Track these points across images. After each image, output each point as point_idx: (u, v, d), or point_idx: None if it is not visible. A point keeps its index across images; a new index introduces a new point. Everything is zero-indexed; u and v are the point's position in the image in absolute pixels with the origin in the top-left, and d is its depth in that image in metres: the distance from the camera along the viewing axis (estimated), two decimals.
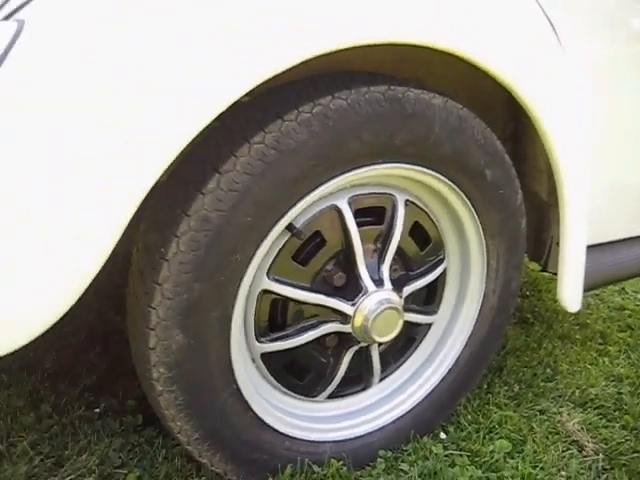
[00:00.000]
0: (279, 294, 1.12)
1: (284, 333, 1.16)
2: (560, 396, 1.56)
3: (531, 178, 1.41)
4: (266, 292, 1.11)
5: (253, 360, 1.16)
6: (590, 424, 1.45)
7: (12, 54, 0.92)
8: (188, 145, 0.89)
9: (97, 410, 1.39)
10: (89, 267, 0.88)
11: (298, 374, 1.23)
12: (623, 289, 2.19)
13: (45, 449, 1.28)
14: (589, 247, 1.43)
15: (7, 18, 1.00)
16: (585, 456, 1.36)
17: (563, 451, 1.36)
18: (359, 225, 1.14)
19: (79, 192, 0.83)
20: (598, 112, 1.37)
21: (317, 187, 1.04)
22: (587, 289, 1.46)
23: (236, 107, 0.91)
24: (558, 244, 1.37)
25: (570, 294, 1.40)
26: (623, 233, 1.61)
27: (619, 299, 2.13)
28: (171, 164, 0.88)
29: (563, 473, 1.30)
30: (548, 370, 1.66)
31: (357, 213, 1.14)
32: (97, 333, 1.65)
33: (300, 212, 1.07)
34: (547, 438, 1.40)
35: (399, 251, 1.21)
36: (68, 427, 1.33)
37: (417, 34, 1.01)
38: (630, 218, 1.59)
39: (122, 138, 0.84)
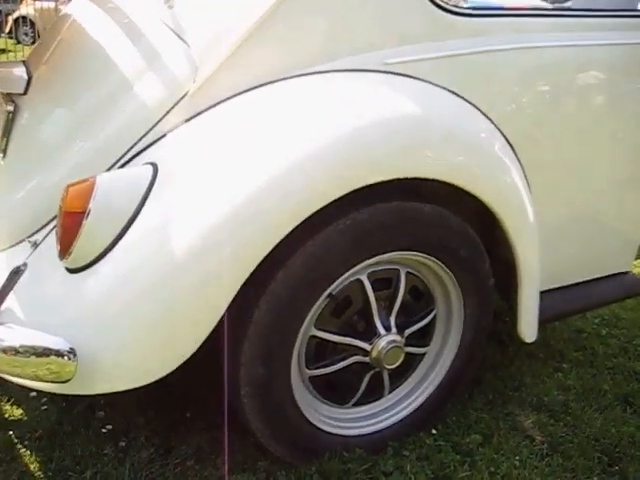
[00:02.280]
0: (321, 338, 1.68)
1: (323, 363, 1.72)
2: (522, 402, 2.11)
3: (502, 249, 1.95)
4: (313, 337, 1.68)
5: (303, 381, 1.73)
6: (541, 423, 2.01)
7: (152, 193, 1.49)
8: None
9: (188, 415, 1.96)
10: (197, 341, 1.45)
11: (334, 390, 1.79)
12: (584, 314, 2.73)
13: (156, 441, 1.85)
14: (542, 292, 1.98)
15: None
16: (534, 446, 1.92)
17: (519, 442, 1.92)
18: (374, 290, 1.71)
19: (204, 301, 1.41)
20: (544, 200, 1.92)
21: (349, 269, 1.61)
22: (541, 324, 2.01)
23: None
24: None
25: (526, 330, 1.95)
26: (569, 280, 2.16)
27: (580, 322, 2.67)
28: None
29: (517, 457, 1.86)
30: (516, 382, 2.22)
31: (373, 282, 1.71)
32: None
33: (337, 285, 1.63)
34: (509, 433, 1.96)
35: (402, 305, 1.77)
36: (170, 427, 1.90)
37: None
38: (573, 270, 2.15)
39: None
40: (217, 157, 1.55)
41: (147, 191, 1.52)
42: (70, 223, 1.50)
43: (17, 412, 1.95)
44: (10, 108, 1.88)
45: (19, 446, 1.81)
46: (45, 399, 1.98)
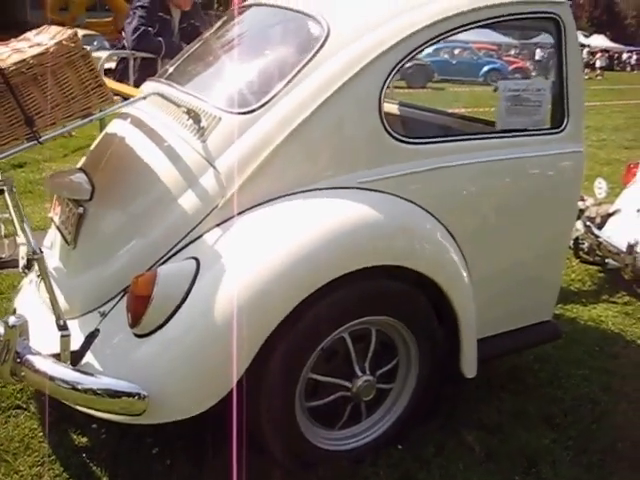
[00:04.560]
0: (316, 379, 2.33)
1: (318, 397, 2.37)
2: (467, 423, 2.76)
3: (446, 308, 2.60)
4: (309, 378, 2.32)
5: (303, 411, 2.37)
6: (480, 438, 2.66)
7: (197, 280, 2.14)
8: None
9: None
10: (229, 385, 2.09)
11: (325, 417, 2.44)
12: (521, 353, 3.40)
13: (193, 460, 2.47)
14: (479, 340, 2.65)
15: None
16: (474, 455, 2.57)
17: (463, 453, 2.57)
18: (353, 343, 2.36)
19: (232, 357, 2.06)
20: (476, 270, 2.59)
21: (336, 330, 2.27)
22: (480, 363, 2.67)
23: None
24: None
25: (466, 368, 2.61)
26: (500, 329, 2.83)
27: (516, 359, 3.34)
28: None
29: (462, 464, 2.51)
30: (462, 408, 2.87)
31: (352, 338, 2.36)
32: None
33: (327, 341, 2.29)
34: (456, 446, 2.61)
35: (373, 354, 2.43)
36: (202, 449, 2.52)
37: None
38: (502, 321, 2.82)
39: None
40: (242, 252, 2.22)
41: (193, 279, 2.18)
42: (139, 303, 2.15)
43: (83, 440, 2.55)
44: (80, 211, 2.52)
45: (90, 465, 2.42)
46: (103, 429, 2.59)
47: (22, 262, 2.96)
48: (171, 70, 3.04)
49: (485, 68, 21.87)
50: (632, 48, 39.07)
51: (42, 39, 2.34)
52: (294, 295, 2.15)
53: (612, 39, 41.94)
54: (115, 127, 2.84)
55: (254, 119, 2.33)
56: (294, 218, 2.28)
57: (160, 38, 4.39)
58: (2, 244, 3.17)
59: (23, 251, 2.99)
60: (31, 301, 2.72)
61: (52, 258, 2.69)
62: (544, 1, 2.64)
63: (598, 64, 31.55)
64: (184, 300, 2.15)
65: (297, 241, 2.20)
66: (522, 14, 2.62)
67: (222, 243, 2.26)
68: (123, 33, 4.70)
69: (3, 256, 3.17)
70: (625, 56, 39.24)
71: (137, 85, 3.74)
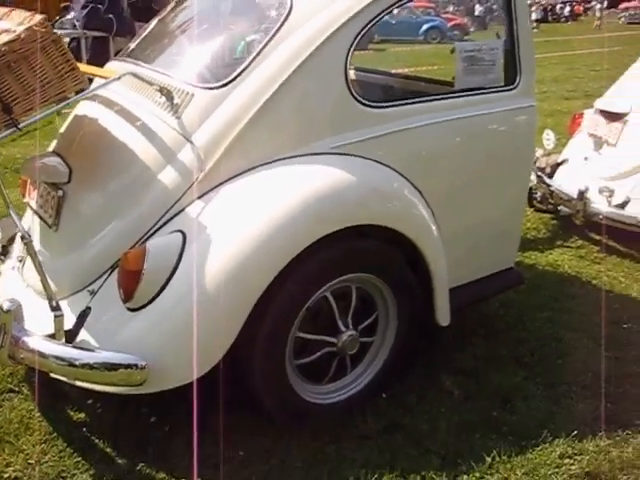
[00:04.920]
0: (303, 337, 2.46)
1: (306, 354, 2.50)
2: (445, 369, 2.93)
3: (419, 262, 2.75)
4: (297, 337, 2.45)
5: (293, 369, 2.50)
6: (458, 382, 2.84)
7: (184, 252, 2.23)
8: None
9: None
10: (223, 350, 2.20)
11: (313, 372, 2.57)
12: (487, 300, 3.58)
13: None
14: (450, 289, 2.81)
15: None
16: (454, 398, 2.75)
17: (444, 397, 2.75)
18: (335, 301, 2.50)
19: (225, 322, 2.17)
20: (444, 223, 2.74)
21: (320, 289, 2.40)
22: (452, 312, 2.84)
23: None
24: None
25: (440, 317, 2.77)
26: (468, 279, 3.00)
27: (484, 307, 3.53)
28: None
29: (443, 407, 2.69)
30: (439, 355, 3.05)
31: (334, 296, 2.49)
32: None
33: (312, 301, 2.41)
34: (436, 391, 2.79)
35: (355, 310, 2.57)
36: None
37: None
38: (470, 271, 2.99)
39: None
40: (224, 223, 2.32)
41: (181, 251, 2.27)
42: (131, 278, 2.23)
43: (81, 415, 2.64)
44: (60, 194, 2.57)
45: (91, 438, 2.51)
46: (99, 404, 2.67)
47: None
48: (134, 48, 3.07)
49: (424, 27, 21.99)
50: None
51: (9, 25, 2.36)
52: (277, 261, 2.26)
53: None
54: (84, 108, 2.87)
55: (226, 93, 2.41)
56: (271, 187, 2.39)
57: (111, 15, 4.38)
58: None
59: None
60: (14, 286, 2.77)
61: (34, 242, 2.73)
62: None
63: (533, 16, 31.99)
64: (174, 272, 2.25)
65: (276, 209, 2.31)
66: None
67: (205, 215, 2.35)
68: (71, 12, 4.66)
69: None
70: (558, 7, 39.88)
71: (90, 63, 3.73)
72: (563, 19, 37.39)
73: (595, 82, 11.19)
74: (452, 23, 22.43)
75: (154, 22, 3.23)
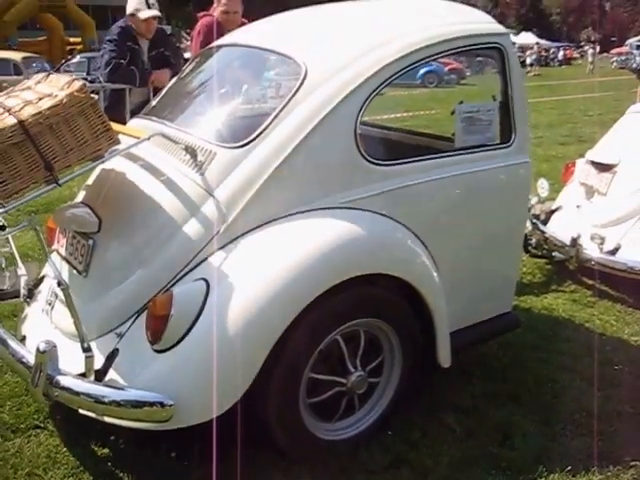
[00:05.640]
0: (315, 378, 2.65)
1: (318, 394, 2.69)
2: (446, 407, 3.11)
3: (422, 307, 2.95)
4: (310, 377, 2.64)
5: (305, 407, 2.68)
6: (459, 420, 3.02)
7: (208, 298, 2.43)
8: None
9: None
10: (242, 390, 2.39)
11: (324, 411, 2.75)
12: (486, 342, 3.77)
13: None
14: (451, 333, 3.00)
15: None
16: (455, 434, 2.93)
17: (446, 434, 2.92)
18: (345, 344, 2.69)
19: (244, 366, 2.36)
20: (445, 272, 2.95)
21: (331, 333, 2.59)
22: (453, 354, 3.03)
23: None
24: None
25: (442, 358, 2.96)
26: (468, 323, 3.19)
27: (483, 348, 3.71)
28: None
29: (445, 443, 2.86)
30: (441, 394, 3.22)
31: (344, 339, 2.69)
32: None
33: (324, 344, 2.61)
34: (438, 428, 2.96)
35: (363, 352, 2.76)
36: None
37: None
38: (468, 316, 3.18)
39: None
40: (244, 273, 2.52)
41: (205, 297, 2.47)
42: (159, 322, 2.43)
43: (105, 450, 2.81)
44: (90, 243, 2.78)
45: (116, 472, 2.68)
46: (121, 440, 2.84)
47: (23, 292, 3.20)
48: (156, 106, 3.31)
49: (422, 71, 22.46)
50: (558, 44, 40.65)
51: (50, 90, 2.59)
52: (294, 307, 2.47)
53: (539, 36, 43.53)
54: (111, 162, 3.08)
55: (246, 152, 2.64)
56: (288, 238, 2.60)
57: (133, 67, 4.66)
58: (4, 277, 3.37)
59: (24, 281, 3.23)
60: (42, 328, 2.95)
61: None
62: (489, 34, 3.03)
63: (528, 61, 32.76)
64: (198, 317, 2.44)
65: (292, 260, 2.53)
66: (471, 46, 3.01)
67: (226, 265, 2.55)
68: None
69: (5, 288, 3.37)
70: (552, 51, 40.80)
71: (107, 111, 3.97)
72: (557, 63, 38.18)
73: (588, 127, 11.55)
74: (449, 67, 22.94)
75: (174, 80, 3.48)
